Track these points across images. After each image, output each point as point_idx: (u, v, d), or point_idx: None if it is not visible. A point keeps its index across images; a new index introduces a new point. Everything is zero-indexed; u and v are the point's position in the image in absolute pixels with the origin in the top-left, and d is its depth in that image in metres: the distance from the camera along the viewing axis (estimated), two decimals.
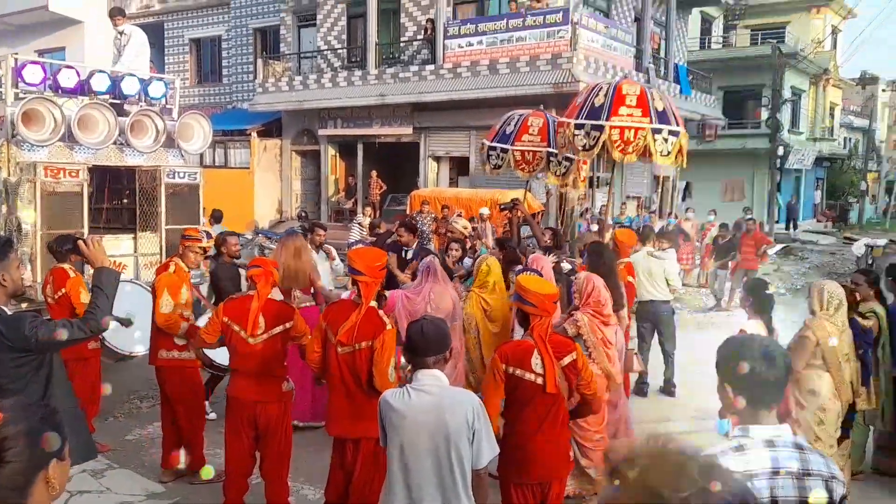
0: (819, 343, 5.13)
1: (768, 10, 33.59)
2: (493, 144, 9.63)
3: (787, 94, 28.73)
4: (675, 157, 7.24)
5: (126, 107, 8.39)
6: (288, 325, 4.88)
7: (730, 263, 14.37)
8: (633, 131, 6.92)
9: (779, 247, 22.15)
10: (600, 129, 6.99)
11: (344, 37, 22.34)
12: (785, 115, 29.00)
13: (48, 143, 7.59)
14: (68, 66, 8.18)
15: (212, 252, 6.98)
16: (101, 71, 8.25)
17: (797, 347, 5.13)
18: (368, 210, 15.68)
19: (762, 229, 18.37)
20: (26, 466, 1.77)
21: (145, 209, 8.68)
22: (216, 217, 12.55)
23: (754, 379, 2.32)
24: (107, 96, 8.18)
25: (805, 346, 5.13)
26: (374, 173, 20.96)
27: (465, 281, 7.04)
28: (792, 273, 19.06)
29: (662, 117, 6.96)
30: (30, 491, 1.78)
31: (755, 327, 4.86)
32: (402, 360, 4.50)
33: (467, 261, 7.88)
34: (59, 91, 7.93)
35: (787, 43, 29.50)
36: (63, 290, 6.07)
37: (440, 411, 3.19)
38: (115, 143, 8.09)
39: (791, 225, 29.37)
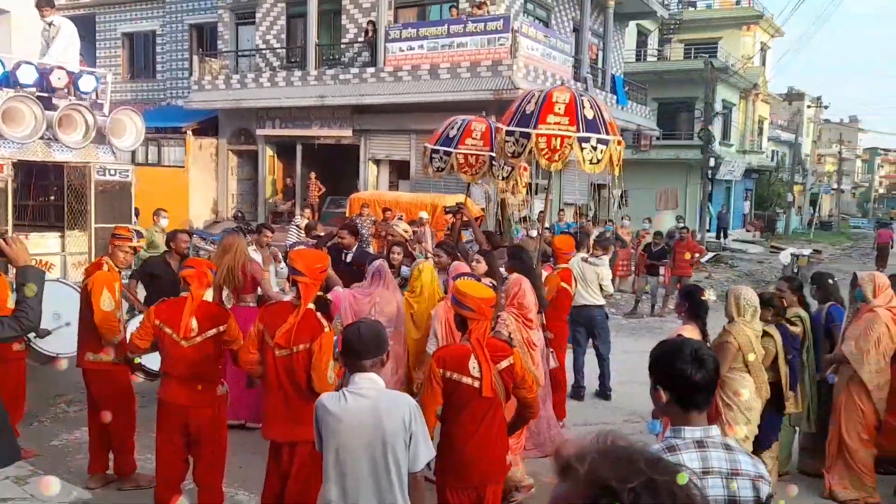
0: (741, 348, 5.33)
1: (701, 26, 34.70)
2: (437, 148, 9.67)
3: (718, 107, 29.64)
4: (609, 166, 7.34)
5: (54, 100, 8.11)
6: (221, 327, 4.81)
7: (661, 270, 14.71)
8: (559, 139, 6.95)
9: (710, 255, 22.83)
10: (528, 136, 7.05)
11: (283, 36, 22.08)
12: (716, 128, 29.92)
13: None
14: None
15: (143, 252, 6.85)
16: (27, 62, 7.96)
17: (721, 352, 5.27)
18: (307, 212, 15.53)
19: (694, 237, 18.91)
20: None
21: (74, 207, 8.40)
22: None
23: (686, 381, 2.40)
24: (34, 89, 7.90)
25: (728, 351, 5.31)
26: (312, 175, 20.75)
27: (403, 288, 7.04)
28: (722, 280, 19.66)
29: (592, 126, 6.97)
30: None
31: (690, 332, 5.00)
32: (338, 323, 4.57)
33: (405, 269, 7.88)
34: None
35: (719, 58, 30.45)
36: None
37: (377, 414, 3.18)
38: (42, 137, 7.82)
39: (721, 234, 30.29)
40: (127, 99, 26.29)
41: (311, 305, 4.42)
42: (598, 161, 6.98)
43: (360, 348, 3.28)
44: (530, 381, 4.09)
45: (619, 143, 7.22)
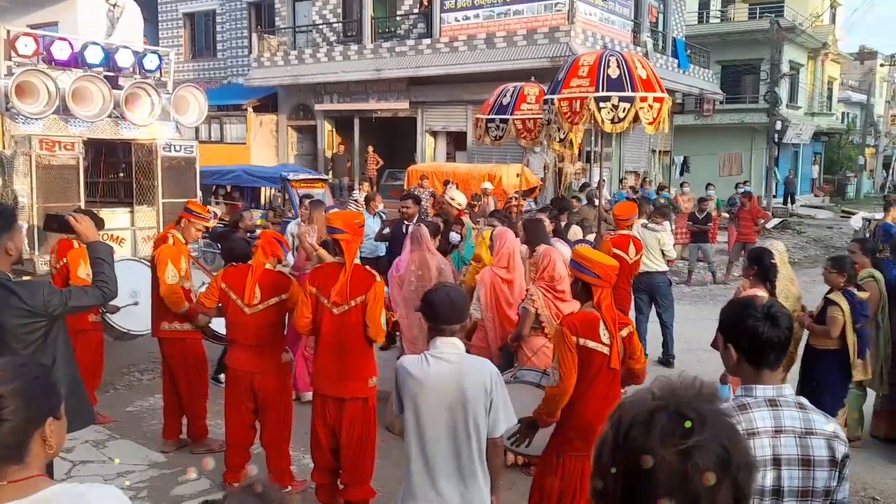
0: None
1: None
2: (492, 117, 9.64)
3: (785, 68, 28.60)
4: (653, 129, 7.21)
5: (120, 80, 8.30)
6: (283, 296, 4.90)
7: (709, 236, 14.33)
8: (578, 101, 6.95)
9: (776, 221, 22.20)
10: (551, 103, 7.17)
11: (339, 10, 22.12)
12: (783, 90, 28.89)
13: (42, 116, 7.52)
14: (61, 38, 8.05)
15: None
16: (94, 43, 8.13)
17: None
18: (365, 185, 15.66)
19: (759, 203, 18.39)
20: (23, 424, 1.78)
21: (142, 183, 8.62)
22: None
23: (757, 338, 2.33)
24: (101, 69, 8.09)
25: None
26: (370, 148, 20.88)
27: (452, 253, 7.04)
28: (789, 247, 19.12)
29: (614, 84, 6.87)
30: (27, 449, 1.79)
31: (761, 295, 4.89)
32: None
33: (454, 235, 7.87)
34: (53, 63, 7.83)
35: (786, 17, 29.31)
36: (64, 260, 6.12)
37: (459, 379, 3.17)
38: (109, 116, 8.00)
39: (789, 199, 29.38)
40: (189, 78, 26.78)
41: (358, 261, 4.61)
42: (621, 120, 6.86)
43: (449, 313, 3.25)
44: (640, 352, 4.06)
45: (658, 100, 7.04)
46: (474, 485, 3.21)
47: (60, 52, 7.89)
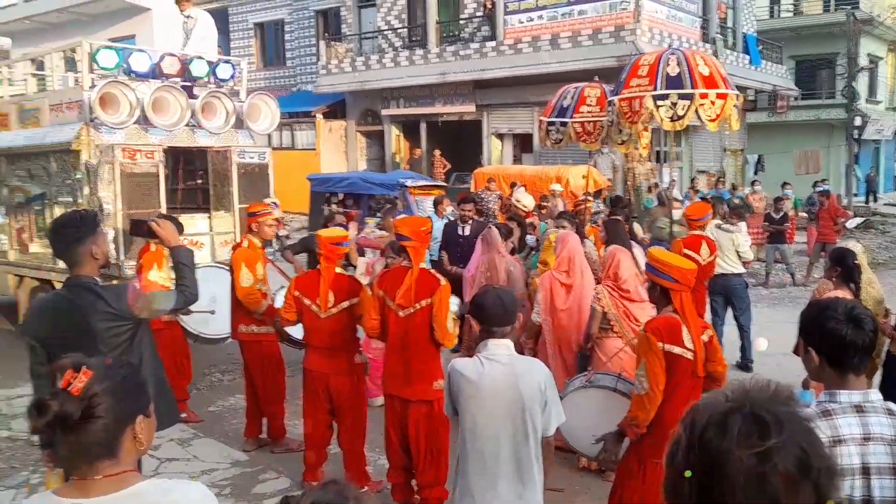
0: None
1: None
2: (552, 119, 9.59)
3: (863, 61, 27.48)
4: (714, 126, 7.09)
5: (195, 89, 8.53)
6: (355, 300, 4.97)
7: (786, 237, 13.88)
8: (638, 100, 6.97)
9: (858, 220, 21.32)
10: (612, 104, 7.25)
11: (404, 16, 22.33)
12: (862, 84, 27.81)
13: (124, 126, 7.75)
14: (140, 50, 8.34)
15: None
16: (171, 54, 8.37)
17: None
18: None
19: (839, 202, 17.71)
20: (114, 421, 1.83)
21: (218, 189, 8.83)
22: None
23: (839, 341, 2.26)
24: (177, 79, 8.34)
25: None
26: (437, 152, 20.98)
27: (530, 256, 7.01)
28: (873, 247, 18.33)
29: (673, 82, 6.86)
30: (119, 445, 1.85)
31: (843, 296, 4.71)
32: (455, 308, 4.68)
33: (530, 238, 7.82)
34: (133, 75, 8.10)
35: (862, 9, 28.18)
36: (139, 262, 6.35)
37: (514, 380, 3.18)
38: (186, 124, 8.22)
39: (871, 197, 28.25)
40: (260, 86, 27.41)
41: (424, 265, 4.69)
42: (680, 117, 6.78)
43: (500, 315, 3.26)
44: (721, 355, 3.95)
45: (721, 96, 6.93)
46: (531, 484, 3.22)
47: (139, 63, 8.15)
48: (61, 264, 3.46)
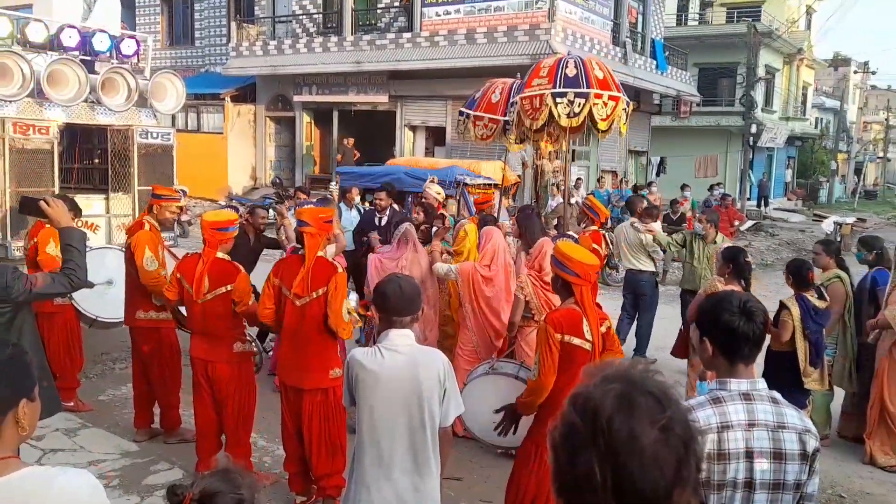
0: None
1: None
2: (462, 110, 9.79)
3: (761, 72, 28.88)
4: (605, 127, 7.47)
5: (97, 65, 8.18)
6: (230, 286, 4.86)
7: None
8: (538, 98, 7.29)
9: (750, 223, 22.43)
10: (515, 103, 7.55)
11: (320, 1, 21.98)
12: (759, 94, 29.21)
13: (17, 99, 7.40)
14: (37, 20, 7.94)
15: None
16: (70, 26, 8.01)
17: (694, 305, 5.50)
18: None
19: (734, 205, 18.58)
20: None
21: (117, 169, 8.53)
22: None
23: (732, 333, 2.36)
24: (77, 53, 7.96)
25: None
26: (348, 141, 20.78)
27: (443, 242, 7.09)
28: (762, 249, 19.34)
29: (570, 82, 7.23)
30: None
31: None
32: (353, 303, 4.67)
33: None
34: (28, 46, 7.71)
35: (763, 22, 29.64)
36: (35, 240, 6.04)
37: (414, 370, 3.17)
38: (86, 100, 7.90)
39: (762, 202, 29.73)
40: (166, 66, 26.41)
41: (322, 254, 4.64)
42: (577, 115, 7.17)
43: (401, 304, 3.24)
44: (618, 344, 4.11)
45: (613, 98, 7.32)
46: (428, 474, 3.23)
47: (35, 34, 7.76)
48: None
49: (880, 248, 6.78)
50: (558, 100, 7.16)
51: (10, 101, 7.38)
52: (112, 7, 9.36)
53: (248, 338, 5.18)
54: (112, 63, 8.22)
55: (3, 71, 7.32)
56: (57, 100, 7.58)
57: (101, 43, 8.14)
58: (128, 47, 8.44)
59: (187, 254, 5.23)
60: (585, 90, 7.13)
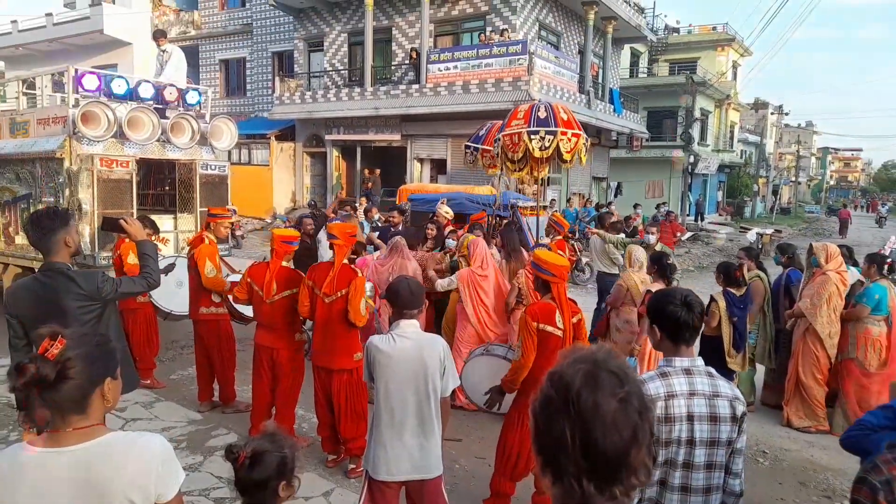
0: (629, 289, 5.82)
1: (683, 48, 33.85)
2: (469, 144, 9.90)
3: (697, 114, 28.92)
4: (569, 157, 7.58)
5: (168, 112, 8.25)
6: (295, 290, 4.87)
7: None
8: (517, 135, 7.43)
9: (689, 234, 22.41)
10: (499, 139, 7.77)
11: (346, 60, 22.04)
12: (696, 131, 29.21)
13: (103, 140, 7.46)
14: (119, 76, 8.02)
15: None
16: (146, 81, 8.14)
17: (614, 292, 6.00)
18: (363, 200, 15.58)
19: (676, 220, 18.55)
20: (85, 382, 1.74)
21: (183, 195, 8.62)
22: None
23: (676, 320, 2.35)
24: (151, 102, 8.04)
25: (619, 291, 5.94)
26: (367, 172, 20.81)
27: (452, 258, 7.04)
28: (699, 255, 19.31)
29: (542, 122, 7.35)
30: (89, 402, 1.76)
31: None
32: (369, 292, 4.72)
33: (450, 241, 7.84)
34: (112, 97, 7.79)
35: (698, 73, 29.67)
36: (118, 252, 6.07)
37: (420, 352, 3.18)
38: (158, 140, 7.96)
39: (699, 218, 29.71)
40: (223, 111, 26.57)
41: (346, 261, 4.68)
42: (547, 148, 7.30)
43: (409, 300, 3.26)
44: (585, 334, 4.11)
45: (575, 135, 7.48)
46: (432, 435, 3.23)
47: (118, 87, 7.85)
48: (41, 256, 3.23)
49: (792, 252, 6.78)
50: (532, 136, 7.25)
51: (98, 142, 7.44)
52: (180, 65, 9.43)
53: (303, 329, 5.18)
54: (179, 110, 8.27)
55: (92, 117, 7.37)
56: (134, 140, 7.65)
57: (170, 94, 8.20)
58: (191, 97, 8.51)
59: (255, 262, 5.23)
60: (554, 128, 7.23)
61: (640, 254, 6.05)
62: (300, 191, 23.67)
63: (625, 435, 1.17)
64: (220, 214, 5.97)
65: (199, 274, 5.60)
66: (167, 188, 9.57)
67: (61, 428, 1.74)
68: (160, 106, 8.13)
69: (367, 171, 21.47)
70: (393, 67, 20.83)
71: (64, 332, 1.78)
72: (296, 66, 23.63)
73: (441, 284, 6.26)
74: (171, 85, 8.33)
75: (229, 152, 23.66)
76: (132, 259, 5.84)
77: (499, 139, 7.80)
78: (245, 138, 23.47)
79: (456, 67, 18.24)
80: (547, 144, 7.24)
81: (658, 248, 8.04)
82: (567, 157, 7.44)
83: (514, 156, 7.46)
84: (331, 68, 22.24)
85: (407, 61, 20.25)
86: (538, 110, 7.43)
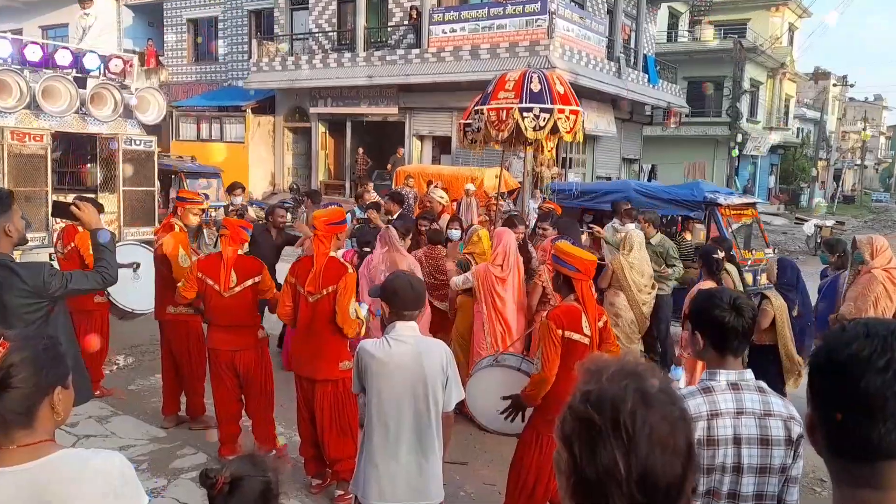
0: (615, 272, 6.85)
1: (731, 8, 33.62)
2: (468, 121, 9.74)
3: (746, 85, 28.82)
4: (570, 138, 7.53)
5: (88, 81, 8.49)
6: (257, 279, 4.91)
7: None
8: (505, 111, 7.26)
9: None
10: (480, 111, 7.47)
11: (335, 20, 22.02)
12: (744, 106, 29.12)
13: (14, 111, 7.73)
14: (33, 42, 8.34)
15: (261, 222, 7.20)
16: (64, 47, 8.48)
17: (602, 275, 6.75)
18: (369, 185, 15.56)
19: None
20: (32, 391, 1.74)
21: (105, 172, 8.93)
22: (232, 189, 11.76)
23: (722, 327, 2.34)
24: (70, 70, 8.30)
25: (606, 274, 6.82)
26: (360, 150, 20.81)
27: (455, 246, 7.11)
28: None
29: (535, 97, 7.21)
30: (36, 415, 1.75)
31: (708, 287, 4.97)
32: (364, 311, 4.61)
33: (452, 232, 7.83)
34: (26, 64, 8.04)
35: (748, 38, 29.56)
36: (72, 244, 6.10)
37: (418, 358, 3.18)
38: (76, 112, 8.26)
39: None
40: (192, 80, 26.59)
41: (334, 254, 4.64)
42: (542, 128, 7.19)
43: (410, 299, 3.25)
44: (614, 339, 4.10)
45: (573, 112, 7.34)
46: (432, 454, 3.23)
47: (32, 54, 8.15)
48: None
49: (844, 249, 6.79)
50: (525, 114, 7.15)
51: (9, 113, 7.69)
52: (107, 30, 9.80)
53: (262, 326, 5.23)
54: (101, 79, 8.54)
55: (2, 86, 7.68)
56: (50, 111, 7.95)
57: (91, 62, 8.53)
58: (115, 66, 8.85)
59: (205, 254, 5.27)
60: (550, 105, 7.15)
61: (637, 236, 6.51)
62: (280, 172, 23.69)
63: (682, 461, 1.18)
64: (189, 199, 5.98)
65: (167, 267, 5.61)
66: (87, 165, 9.89)
67: (4, 445, 1.73)
68: (80, 75, 8.40)
69: (360, 151, 21.47)
70: (389, 29, 20.80)
71: (6, 334, 1.77)
72: (276, 26, 23.62)
73: (455, 282, 6.24)
74: (92, 51, 8.66)
75: (198, 127, 23.74)
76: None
77: (479, 111, 7.62)
78: (217, 111, 23.50)
79: (463, 29, 18.21)
80: (542, 124, 7.17)
81: (656, 240, 8.04)
82: (568, 138, 7.41)
83: (499, 135, 7.35)
84: (317, 29, 22.21)
85: (406, 22, 20.21)
86: (531, 81, 7.29)
